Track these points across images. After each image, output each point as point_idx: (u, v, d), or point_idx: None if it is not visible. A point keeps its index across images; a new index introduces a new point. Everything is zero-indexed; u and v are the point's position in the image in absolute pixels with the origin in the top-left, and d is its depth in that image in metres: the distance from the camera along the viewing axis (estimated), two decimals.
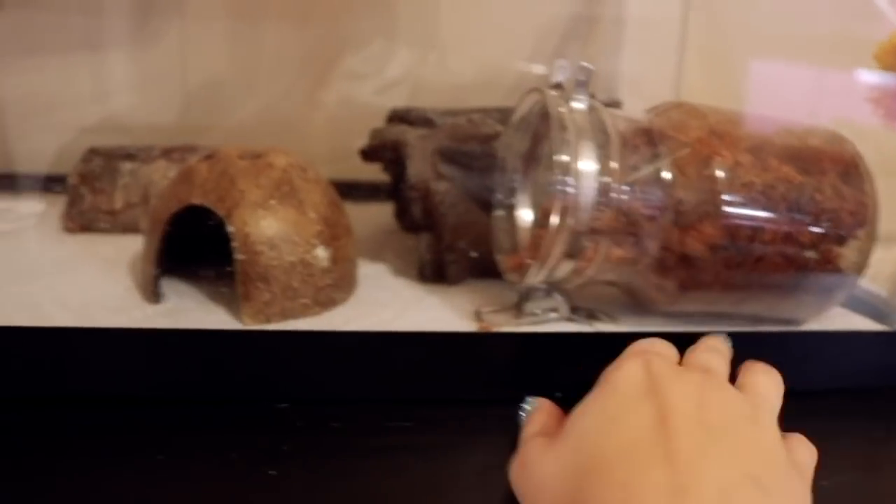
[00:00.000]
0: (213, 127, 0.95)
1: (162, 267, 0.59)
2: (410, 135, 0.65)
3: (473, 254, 0.62)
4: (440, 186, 0.63)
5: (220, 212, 0.55)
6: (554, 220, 0.53)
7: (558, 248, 0.54)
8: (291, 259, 0.56)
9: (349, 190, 0.79)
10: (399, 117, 0.71)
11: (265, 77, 0.96)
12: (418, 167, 0.63)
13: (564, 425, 0.40)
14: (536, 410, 0.45)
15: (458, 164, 0.64)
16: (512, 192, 0.64)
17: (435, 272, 0.65)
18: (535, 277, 0.56)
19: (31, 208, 0.81)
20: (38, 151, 0.93)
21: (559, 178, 0.53)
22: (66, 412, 0.50)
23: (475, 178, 0.64)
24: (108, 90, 0.94)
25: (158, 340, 0.52)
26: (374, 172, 0.86)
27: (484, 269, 0.66)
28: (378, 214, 0.84)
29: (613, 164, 0.54)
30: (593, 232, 0.54)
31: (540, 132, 0.63)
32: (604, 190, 0.54)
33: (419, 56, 0.98)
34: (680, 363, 0.44)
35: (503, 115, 0.73)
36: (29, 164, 0.93)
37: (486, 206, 0.64)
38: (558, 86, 0.57)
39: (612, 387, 0.39)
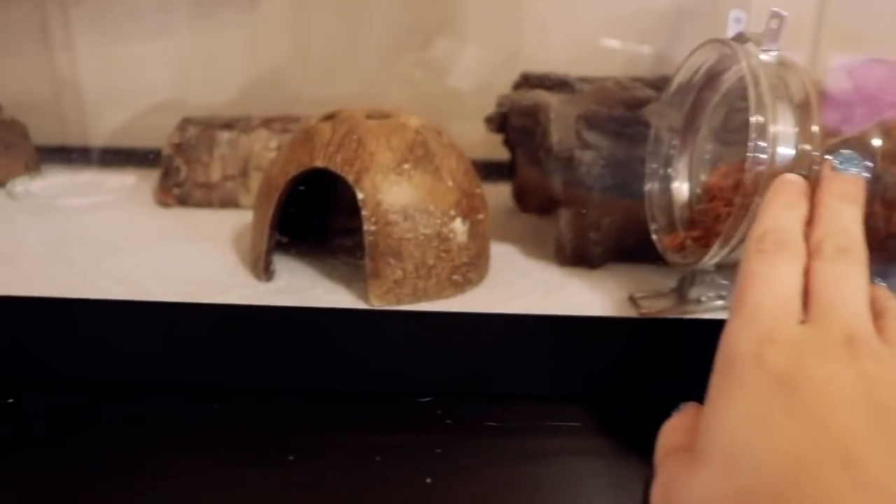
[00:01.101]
0: (291, 104, 0.89)
1: (275, 239, 0.52)
2: (551, 98, 0.57)
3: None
4: (586, 156, 0.55)
5: (348, 176, 0.48)
6: (743, 188, 0.44)
7: (744, 226, 0.45)
8: (427, 232, 0.48)
9: None
10: (531, 82, 0.63)
11: (349, 54, 0.89)
12: (562, 134, 0.55)
13: (699, 434, 0.31)
14: (678, 415, 0.36)
15: (606, 131, 0.56)
16: (668, 161, 0.56)
17: (576, 253, 0.57)
18: (713, 259, 0.47)
19: (122, 181, 0.75)
20: (121, 126, 0.89)
21: (753, 142, 0.44)
22: (176, 400, 0.43)
23: (625, 148, 0.56)
24: (183, 68, 0.89)
25: (278, 320, 0.45)
26: (473, 152, 0.78)
27: (628, 251, 0.59)
28: (490, 195, 0.76)
29: (815, 129, 0.46)
30: None
31: (703, 97, 0.55)
32: (803, 159, 0.45)
33: (515, 34, 0.91)
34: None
35: (641, 83, 0.65)
36: (112, 138, 0.89)
37: (637, 179, 0.56)
38: (741, 38, 0.49)
39: (741, 378, 0.30)
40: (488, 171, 0.77)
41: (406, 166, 0.49)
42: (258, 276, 0.52)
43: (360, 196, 0.48)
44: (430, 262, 0.49)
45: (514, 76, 0.90)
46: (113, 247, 0.58)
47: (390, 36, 0.88)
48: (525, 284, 0.54)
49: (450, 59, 0.91)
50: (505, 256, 0.59)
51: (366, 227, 0.48)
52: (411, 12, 0.87)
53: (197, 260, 0.56)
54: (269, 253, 0.52)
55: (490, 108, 0.89)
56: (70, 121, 0.90)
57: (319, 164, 0.49)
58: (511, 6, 0.89)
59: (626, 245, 0.58)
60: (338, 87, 0.89)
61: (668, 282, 0.55)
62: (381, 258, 0.48)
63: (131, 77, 0.89)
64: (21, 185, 0.72)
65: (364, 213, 0.47)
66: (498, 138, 0.71)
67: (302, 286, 0.52)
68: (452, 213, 0.50)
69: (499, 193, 0.73)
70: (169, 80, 0.89)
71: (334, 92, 0.89)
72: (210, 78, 0.89)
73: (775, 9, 0.47)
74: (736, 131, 0.56)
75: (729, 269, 0.52)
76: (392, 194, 0.48)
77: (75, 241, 0.59)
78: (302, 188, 0.49)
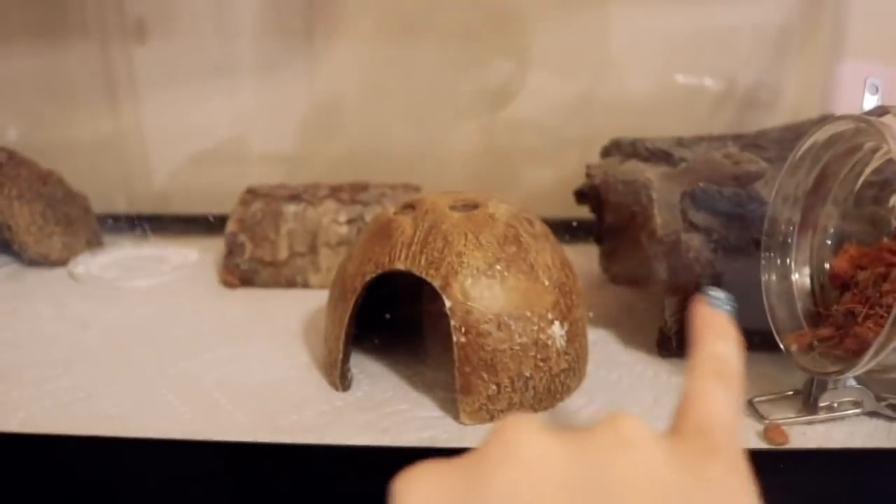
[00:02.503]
0: (346, 156, 0.84)
1: (351, 345, 0.47)
2: (651, 174, 0.51)
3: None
4: (693, 240, 0.49)
5: (434, 281, 0.43)
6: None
7: None
8: (523, 340, 0.43)
9: None
10: (623, 150, 0.57)
11: (405, 102, 0.85)
12: (666, 216, 0.50)
13: None
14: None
15: (715, 211, 0.50)
16: (785, 246, 0.50)
17: (682, 345, 0.51)
18: (862, 369, 0.41)
19: (184, 256, 0.71)
20: (185, 190, 0.86)
21: None
22: None
23: (737, 229, 0.50)
24: (247, 125, 0.85)
25: (379, 460, 0.40)
26: (544, 207, 0.73)
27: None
28: (574, 260, 0.70)
29: None
30: None
31: (829, 171, 0.48)
32: None
33: (588, 74, 0.84)
34: None
35: (741, 143, 0.59)
36: (176, 203, 0.86)
37: (751, 264, 0.50)
38: (880, 111, 0.42)
39: None
40: (567, 230, 0.72)
41: (498, 267, 0.43)
42: (334, 385, 0.48)
43: (448, 304, 0.42)
44: (527, 373, 0.44)
45: (588, 117, 0.84)
46: (177, 344, 0.54)
47: (456, 83, 0.84)
48: (628, 387, 0.49)
49: (518, 105, 0.85)
50: (602, 346, 0.54)
51: (455, 338, 0.42)
52: (474, 53, 0.82)
53: (266, 361, 0.52)
54: (345, 361, 0.47)
55: (563, 157, 0.83)
56: (131, 185, 0.88)
57: (400, 266, 0.44)
58: (581, 42, 0.83)
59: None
60: (401, 137, 0.85)
61: (787, 376, 0.48)
62: (473, 372, 0.43)
63: (195, 135, 0.86)
64: (82, 264, 0.69)
65: (453, 322, 0.42)
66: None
67: (383, 397, 0.47)
68: (550, 316, 0.44)
69: (583, 257, 0.67)
70: (233, 136, 0.86)
71: (397, 142, 0.84)
72: (274, 135, 0.85)
73: None
74: (865, 205, 0.50)
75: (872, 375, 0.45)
76: (484, 301, 0.42)
77: (137, 336, 0.55)
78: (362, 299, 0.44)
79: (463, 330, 0.42)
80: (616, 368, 0.51)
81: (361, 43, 0.82)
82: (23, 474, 0.41)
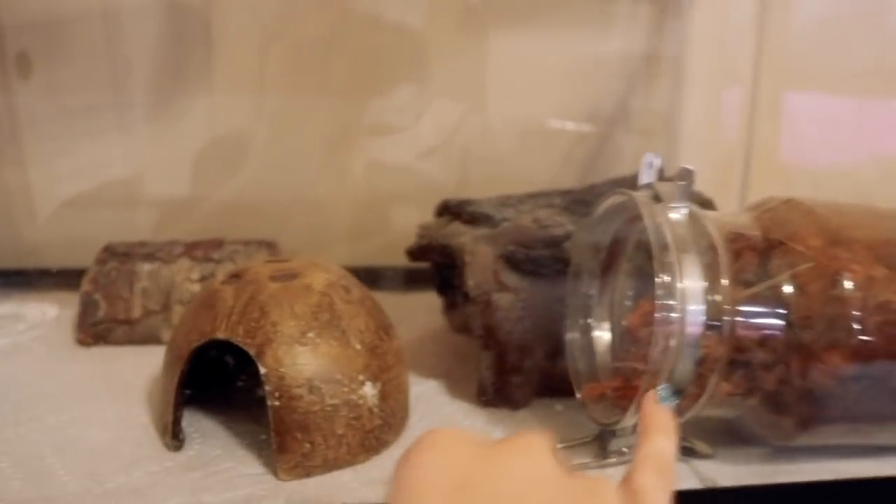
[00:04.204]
0: (231, 205, 0.86)
1: (182, 408, 0.50)
2: (467, 237, 0.56)
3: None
4: (504, 300, 0.54)
5: (250, 349, 0.46)
6: (654, 351, 0.44)
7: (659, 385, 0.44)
8: (334, 402, 0.47)
9: (375, 277, 0.74)
10: (451, 211, 0.62)
11: (287, 151, 0.88)
12: (478, 277, 0.54)
13: None
14: None
15: (524, 272, 0.55)
16: (587, 308, 0.55)
17: (499, 395, 0.56)
18: (630, 421, 0.46)
19: (43, 313, 0.73)
20: (44, 244, 0.86)
21: (662, 302, 0.43)
22: None
23: (544, 289, 0.55)
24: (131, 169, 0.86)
25: None
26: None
27: (553, 387, 0.57)
28: (418, 307, 0.74)
29: (724, 281, 0.45)
30: (702, 364, 0.45)
31: (621, 234, 0.54)
32: (714, 312, 0.44)
33: (456, 119, 0.89)
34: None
35: (568, 200, 0.64)
36: (42, 257, 0.86)
37: (558, 319, 0.55)
38: (651, 189, 0.48)
39: None
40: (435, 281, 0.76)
41: (310, 335, 0.47)
42: (167, 446, 0.50)
43: (262, 371, 0.46)
44: (340, 431, 0.47)
45: (456, 159, 0.88)
46: (19, 408, 0.56)
47: (332, 132, 0.87)
48: None
49: (389, 151, 0.89)
50: (427, 398, 0.58)
51: (269, 402, 0.46)
52: (349, 104, 0.86)
53: (107, 422, 0.54)
54: (176, 423, 0.50)
55: (432, 201, 0.87)
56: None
57: (221, 335, 0.47)
58: (449, 85, 0.87)
59: (550, 382, 0.57)
60: (278, 187, 0.87)
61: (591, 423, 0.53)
62: (287, 433, 0.46)
63: (63, 189, 0.86)
64: None
65: (267, 388, 0.46)
66: None
67: (211, 455, 0.50)
68: (361, 377, 0.48)
69: (434, 305, 0.72)
70: (111, 187, 0.86)
71: (273, 192, 0.87)
72: (156, 185, 0.86)
73: (685, 165, 0.46)
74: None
75: None
76: (296, 367, 0.46)
77: None
78: (189, 367, 0.48)
79: (276, 394, 0.46)
80: (437, 419, 0.55)
81: (237, 95, 0.85)
82: None
